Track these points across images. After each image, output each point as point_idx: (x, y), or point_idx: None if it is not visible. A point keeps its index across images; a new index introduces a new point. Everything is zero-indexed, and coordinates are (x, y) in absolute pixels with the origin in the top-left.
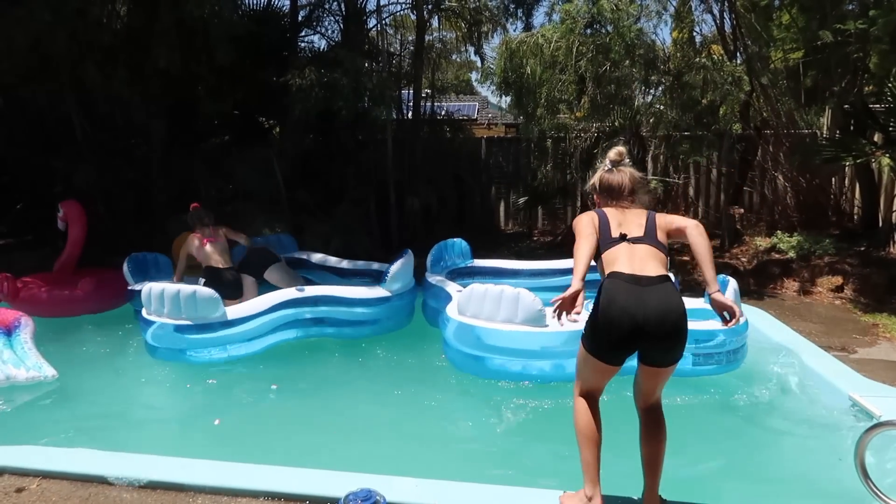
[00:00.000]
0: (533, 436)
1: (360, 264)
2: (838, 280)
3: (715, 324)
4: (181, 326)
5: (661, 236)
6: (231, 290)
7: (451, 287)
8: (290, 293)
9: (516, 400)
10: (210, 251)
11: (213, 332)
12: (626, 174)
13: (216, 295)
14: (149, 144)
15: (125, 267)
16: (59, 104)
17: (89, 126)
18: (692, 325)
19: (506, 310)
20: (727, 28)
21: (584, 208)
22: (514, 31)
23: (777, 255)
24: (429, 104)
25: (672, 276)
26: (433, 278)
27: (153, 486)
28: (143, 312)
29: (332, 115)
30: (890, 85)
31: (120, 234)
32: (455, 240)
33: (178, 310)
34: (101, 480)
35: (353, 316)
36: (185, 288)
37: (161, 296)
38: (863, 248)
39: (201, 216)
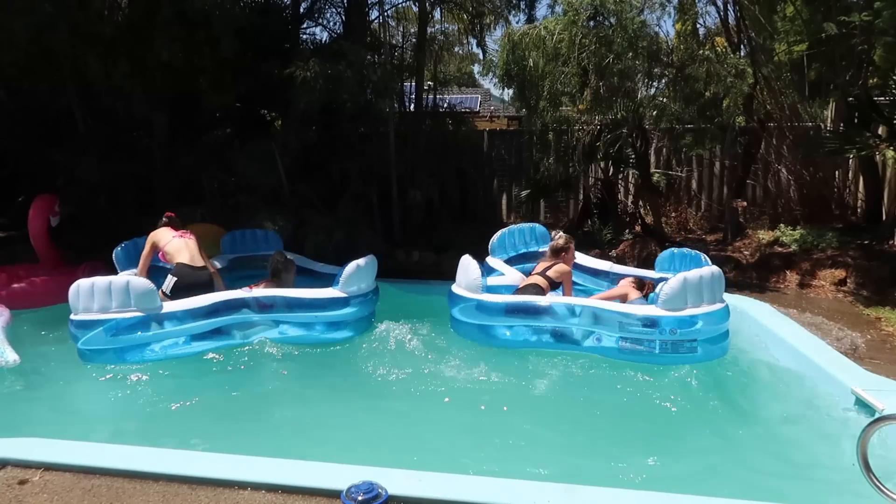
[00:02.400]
0: (537, 430)
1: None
2: (841, 273)
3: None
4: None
5: None
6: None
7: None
8: (235, 293)
9: (521, 395)
10: (179, 246)
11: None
12: None
13: (152, 285)
14: (151, 137)
15: (115, 254)
16: (62, 97)
17: (91, 119)
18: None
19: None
20: (731, 20)
21: (587, 202)
22: (517, 23)
23: (780, 249)
24: (431, 97)
25: None
26: (494, 262)
27: (155, 477)
28: (72, 315)
29: (334, 107)
30: (895, 77)
31: (122, 228)
32: (533, 224)
33: (111, 303)
34: (104, 472)
35: (301, 318)
36: (118, 279)
37: (91, 290)
38: (866, 242)
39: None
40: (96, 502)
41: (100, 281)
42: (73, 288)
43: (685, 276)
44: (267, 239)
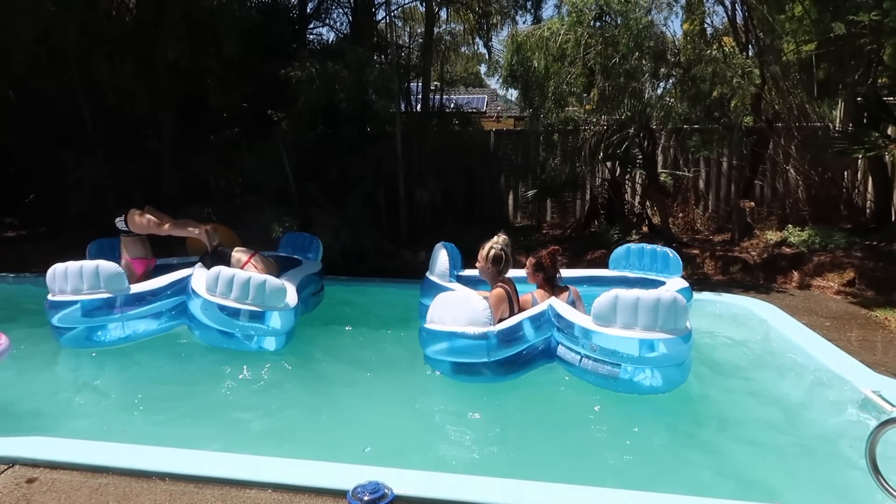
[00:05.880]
0: (543, 430)
1: None
2: (849, 274)
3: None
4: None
5: None
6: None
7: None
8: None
9: (529, 395)
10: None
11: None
12: None
13: (120, 269)
14: (158, 137)
15: (87, 251)
16: (70, 97)
17: (99, 119)
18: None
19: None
20: (739, 20)
21: (594, 202)
22: (524, 23)
23: (788, 249)
24: (438, 97)
25: None
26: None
27: (162, 476)
28: (49, 295)
29: (336, 107)
30: None
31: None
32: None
33: (83, 285)
34: (111, 471)
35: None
36: (88, 263)
37: (65, 274)
38: (875, 243)
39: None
40: (103, 501)
41: (72, 265)
42: (49, 272)
43: None
44: (311, 243)
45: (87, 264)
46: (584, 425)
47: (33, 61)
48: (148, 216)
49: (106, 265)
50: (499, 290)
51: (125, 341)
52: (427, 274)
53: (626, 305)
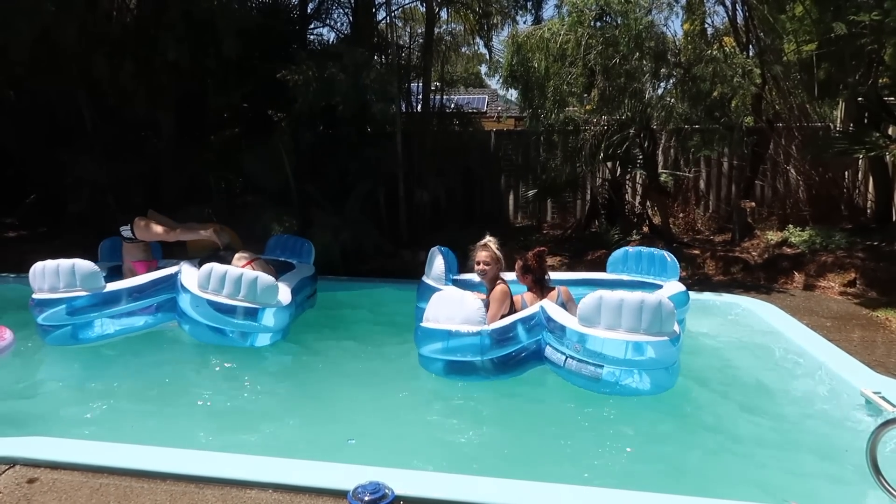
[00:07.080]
0: (544, 430)
1: None
2: (850, 275)
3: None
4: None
5: None
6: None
7: None
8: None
9: (531, 395)
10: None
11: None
12: None
13: (96, 268)
14: (158, 137)
15: (100, 249)
16: (70, 97)
17: (99, 119)
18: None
19: None
20: (739, 20)
21: (594, 202)
22: (524, 23)
23: (788, 250)
24: (438, 97)
25: None
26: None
27: (162, 477)
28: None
29: (334, 109)
30: None
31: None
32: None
33: (60, 282)
34: (111, 471)
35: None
36: (65, 262)
37: (43, 272)
38: (875, 243)
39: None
40: (104, 501)
41: (50, 263)
42: (31, 270)
43: None
44: (302, 247)
45: (64, 263)
46: (584, 426)
47: (33, 61)
48: (155, 227)
49: (82, 264)
50: (504, 286)
51: (107, 338)
52: (423, 278)
53: (610, 307)
